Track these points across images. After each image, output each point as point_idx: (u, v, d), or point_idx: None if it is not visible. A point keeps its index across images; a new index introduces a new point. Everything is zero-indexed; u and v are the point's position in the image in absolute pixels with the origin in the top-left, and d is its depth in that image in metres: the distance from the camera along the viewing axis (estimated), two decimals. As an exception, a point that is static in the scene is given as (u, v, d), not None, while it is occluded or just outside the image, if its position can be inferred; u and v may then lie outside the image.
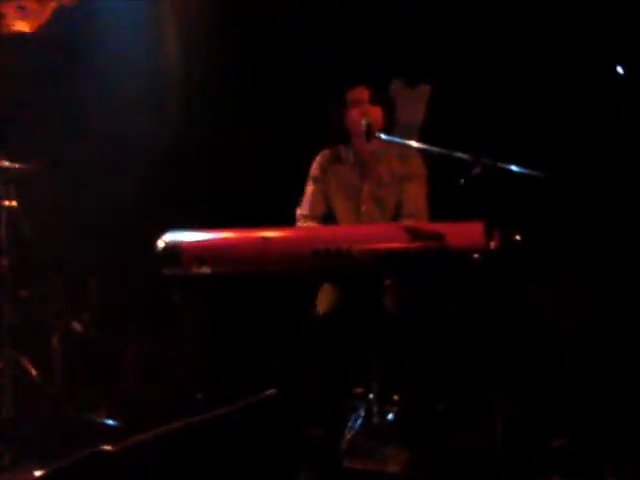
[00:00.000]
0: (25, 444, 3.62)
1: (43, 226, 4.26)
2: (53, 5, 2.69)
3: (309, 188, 3.66)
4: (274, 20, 4.48)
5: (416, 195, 3.55)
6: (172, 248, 3.09)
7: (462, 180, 2.98)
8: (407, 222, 3.42)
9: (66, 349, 4.30)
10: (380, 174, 3.59)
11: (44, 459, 3.36)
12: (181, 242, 3.10)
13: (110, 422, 3.96)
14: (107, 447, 2.00)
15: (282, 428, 2.87)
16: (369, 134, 3.38)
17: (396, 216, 3.55)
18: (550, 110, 3.98)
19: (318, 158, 3.69)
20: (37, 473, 2.81)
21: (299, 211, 3.64)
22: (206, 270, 3.07)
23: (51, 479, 1.95)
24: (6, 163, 3.91)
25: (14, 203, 3.98)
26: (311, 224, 3.57)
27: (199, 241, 3.12)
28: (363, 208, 3.56)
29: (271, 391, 2.99)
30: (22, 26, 2.68)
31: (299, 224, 3.60)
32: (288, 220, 3.58)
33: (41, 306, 4.35)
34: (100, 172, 4.52)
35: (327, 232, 3.35)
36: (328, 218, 3.61)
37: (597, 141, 3.97)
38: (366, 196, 3.57)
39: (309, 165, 3.70)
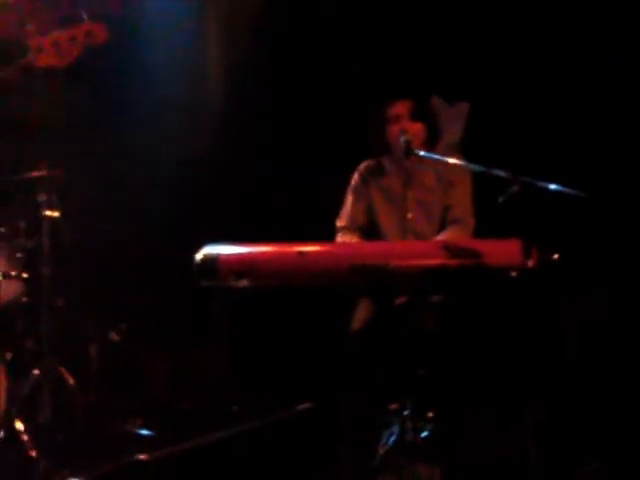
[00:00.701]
0: (61, 452, 3.66)
1: (83, 236, 4.31)
2: (84, 43, 2.77)
3: (349, 199, 3.66)
4: (318, 33, 4.50)
5: (462, 200, 3.56)
6: (210, 261, 3.11)
7: (501, 198, 2.97)
8: (452, 229, 3.44)
9: (103, 359, 4.34)
10: (424, 181, 3.59)
11: (79, 467, 3.39)
12: (219, 255, 3.12)
13: (145, 432, 3.99)
14: (142, 457, 2.03)
15: (316, 442, 2.89)
16: (407, 151, 3.39)
17: (443, 221, 3.54)
18: (591, 129, 3.96)
19: (359, 170, 3.70)
20: (73, 481, 2.85)
21: (339, 223, 3.65)
22: (243, 283, 3.09)
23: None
24: (48, 171, 3.99)
25: (57, 213, 4.05)
26: (352, 236, 3.57)
27: (237, 254, 3.13)
28: (409, 215, 3.52)
29: (306, 405, 3.00)
30: (55, 61, 2.77)
31: (339, 236, 3.61)
32: (326, 235, 3.58)
33: (79, 316, 4.40)
34: (140, 185, 4.57)
35: (364, 247, 3.36)
36: (369, 230, 3.62)
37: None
38: (411, 203, 3.53)
39: (348, 177, 3.71)
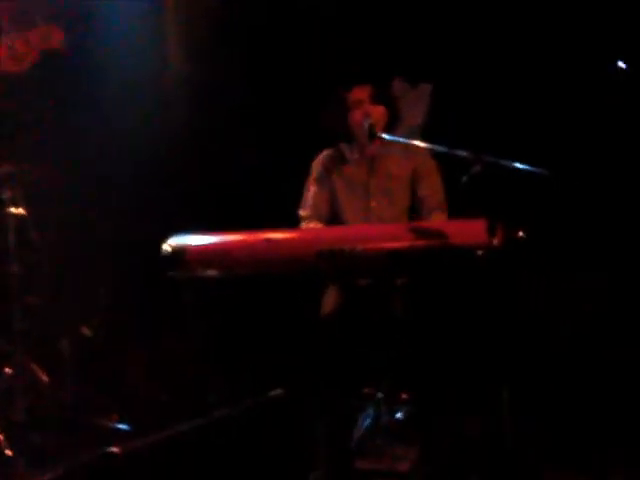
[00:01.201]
0: (37, 449, 3.64)
1: (51, 232, 4.29)
2: (40, 48, 2.74)
3: (312, 189, 3.63)
4: (274, 20, 4.49)
5: (436, 189, 3.54)
6: (177, 251, 3.11)
7: (464, 178, 2.98)
8: (435, 215, 3.45)
9: (76, 354, 4.33)
10: (388, 168, 3.56)
11: (56, 463, 3.38)
12: (186, 245, 3.12)
13: (121, 426, 3.98)
14: (114, 449, 2.02)
15: (290, 428, 2.89)
16: (372, 135, 3.38)
17: (414, 212, 3.53)
18: (553, 106, 3.98)
19: (320, 158, 3.67)
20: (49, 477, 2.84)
21: (302, 212, 3.62)
22: (211, 272, 3.09)
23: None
24: (12, 168, 3.96)
25: (22, 210, 4.02)
26: (316, 224, 3.55)
27: (204, 244, 3.13)
28: (373, 203, 3.53)
29: (278, 391, 3.01)
30: (11, 66, 2.73)
31: (303, 225, 3.58)
32: (290, 222, 3.57)
33: (50, 312, 4.37)
34: (105, 178, 4.55)
35: (330, 232, 3.36)
36: (332, 219, 3.59)
37: (601, 138, 3.96)
38: (375, 191, 3.54)
39: (309, 166, 3.69)
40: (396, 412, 3.67)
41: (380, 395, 3.66)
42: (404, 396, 3.69)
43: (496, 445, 3.20)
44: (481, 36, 4.09)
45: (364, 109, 3.48)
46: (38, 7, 2.85)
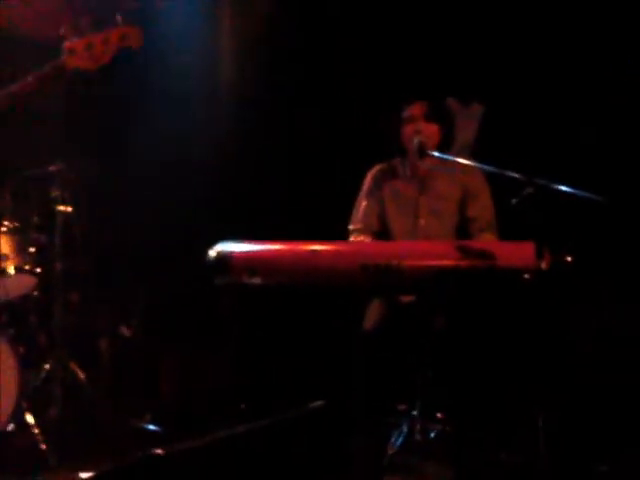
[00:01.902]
0: (70, 445, 3.67)
1: (96, 231, 4.33)
2: (117, 46, 2.80)
3: (362, 203, 3.64)
4: (333, 34, 4.51)
5: (486, 210, 3.52)
6: (223, 258, 3.12)
7: (514, 200, 2.97)
8: (484, 236, 3.43)
9: (114, 353, 4.36)
10: (438, 188, 3.56)
11: (88, 461, 3.41)
12: (232, 252, 3.13)
13: (153, 427, 4.00)
14: (158, 451, 2.03)
15: (327, 441, 2.89)
16: (421, 152, 3.39)
17: (464, 232, 3.51)
18: (607, 132, 3.95)
19: (372, 172, 3.68)
20: (83, 475, 2.86)
21: (351, 226, 3.63)
22: (256, 280, 3.10)
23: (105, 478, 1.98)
24: (61, 166, 4.01)
25: (69, 208, 4.07)
26: (365, 237, 3.55)
27: (250, 251, 3.15)
28: (422, 222, 3.51)
29: (318, 403, 3.00)
30: (87, 63, 2.80)
31: (352, 238, 3.59)
32: (338, 236, 3.58)
33: (91, 310, 4.42)
34: (153, 180, 4.59)
35: (377, 247, 3.35)
36: (381, 234, 3.59)
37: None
38: (424, 210, 3.52)
39: (361, 180, 3.70)
40: (430, 431, 3.65)
41: (414, 413, 3.65)
42: (439, 415, 3.68)
43: (531, 471, 3.18)
44: (538, 56, 4.08)
45: (416, 125, 3.49)
46: (120, 6, 2.90)
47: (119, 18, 2.80)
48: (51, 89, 2.92)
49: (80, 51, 2.78)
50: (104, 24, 2.79)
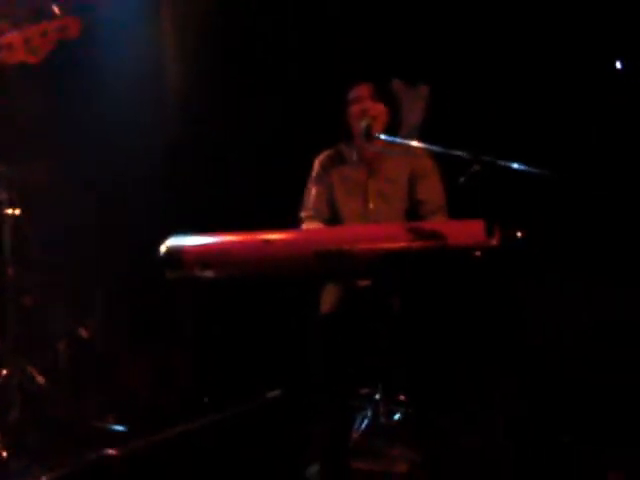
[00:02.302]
0: (32, 451, 3.63)
1: (46, 233, 4.27)
2: (56, 38, 2.74)
3: (312, 189, 3.62)
4: (275, 20, 4.49)
5: (435, 191, 3.51)
6: (175, 252, 3.09)
7: (462, 178, 2.97)
8: (435, 218, 3.42)
9: (72, 355, 4.32)
10: (386, 171, 3.55)
11: (51, 466, 3.37)
12: (183, 246, 3.10)
13: (118, 428, 3.97)
14: (112, 451, 2.00)
15: (287, 429, 2.88)
16: (368, 135, 3.38)
17: (414, 214, 3.51)
18: (552, 106, 3.97)
19: (319, 158, 3.66)
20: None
21: (303, 213, 3.62)
22: (209, 273, 3.07)
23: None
24: (8, 168, 3.94)
25: (17, 211, 4.00)
26: (316, 224, 3.54)
27: (201, 245, 3.12)
28: (371, 205, 3.52)
29: (276, 392, 2.99)
30: (27, 58, 2.73)
31: (304, 226, 3.57)
32: (289, 224, 3.56)
33: (46, 313, 4.36)
34: (102, 180, 4.54)
35: (328, 233, 3.34)
36: (332, 220, 3.58)
37: (602, 138, 3.96)
38: (373, 193, 3.53)
39: (309, 167, 3.68)
40: (394, 413, 3.67)
41: (378, 396, 3.66)
42: (402, 397, 3.69)
43: (491, 452, 3.20)
44: (480, 36, 4.09)
45: (363, 105, 3.48)
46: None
47: (56, 9, 2.73)
48: None
49: (18, 45, 2.72)
50: (41, 16, 2.73)
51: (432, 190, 3.52)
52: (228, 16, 4.58)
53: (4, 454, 3.55)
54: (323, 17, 4.39)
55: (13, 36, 2.73)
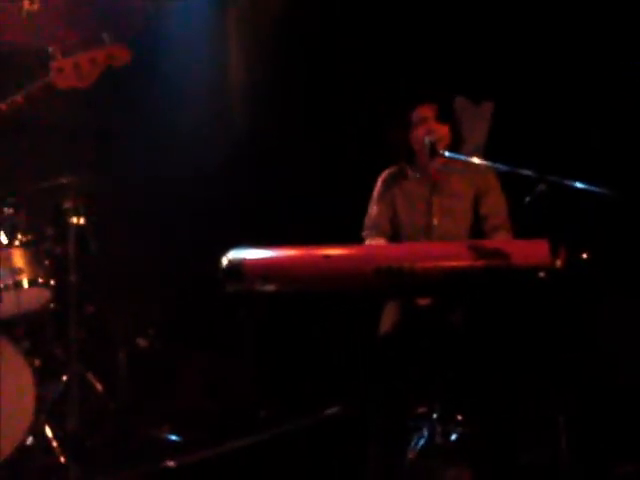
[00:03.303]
0: (90, 458, 3.67)
1: (110, 243, 4.33)
2: (105, 65, 2.84)
3: (374, 208, 3.61)
4: (338, 38, 4.49)
5: (498, 207, 3.49)
6: (235, 265, 3.09)
7: (528, 198, 2.93)
8: (498, 234, 3.40)
9: (132, 364, 4.36)
10: (451, 186, 3.53)
11: (108, 473, 3.40)
12: (244, 259, 3.11)
13: (173, 437, 3.99)
14: (170, 463, 2.01)
15: (344, 446, 2.86)
16: (432, 152, 3.36)
17: (478, 230, 3.48)
18: (621, 125, 3.91)
19: (382, 177, 3.66)
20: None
21: (365, 232, 3.60)
22: (269, 287, 3.07)
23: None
24: (74, 178, 4.02)
25: (82, 220, 4.07)
26: (378, 240, 3.52)
27: (262, 258, 3.12)
28: (435, 221, 3.50)
29: (335, 409, 2.97)
30: (75, 82, 2.84)
31: (366, 242, 3.56)
32: (352, 241, 3.55)
33: (108, 322, 4.41)
34: (163, 189, 4.58)
35: (390, 250, 3.32)
36: (394, 237, 3.56)
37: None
38: (437, 208, 3.51)
39: (373, 185, 3.67)
40: (450, 433, 3.62)
41: (435, 416, 3.62)
42: (459, 417, 3.64)
43: (552, 474, 3.14)
44: (548, 54, 4.05)
45: (428, 127, 3.46)
46: (107, 27, 2.93)
47: (106, 37, 2.83)
48: (42, 105, 2.95)
49: (68, 70, 2.82)
50: (92, 43, 2.82)
51: (496, 205, 3.50)
52: (294, 25, 4.60)
53: (62, 459, 3.60)
54: (390, 33, 4.38)
55: (64, 61, 2.84)
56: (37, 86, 2.86)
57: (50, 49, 2.85)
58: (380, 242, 3.52)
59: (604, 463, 3.31)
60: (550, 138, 3.99)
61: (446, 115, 3.50)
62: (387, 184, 3.62)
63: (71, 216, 4.04)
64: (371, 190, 3.67)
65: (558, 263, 2.81)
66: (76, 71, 2.82)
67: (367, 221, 3.63)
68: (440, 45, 4.28)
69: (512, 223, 3.49)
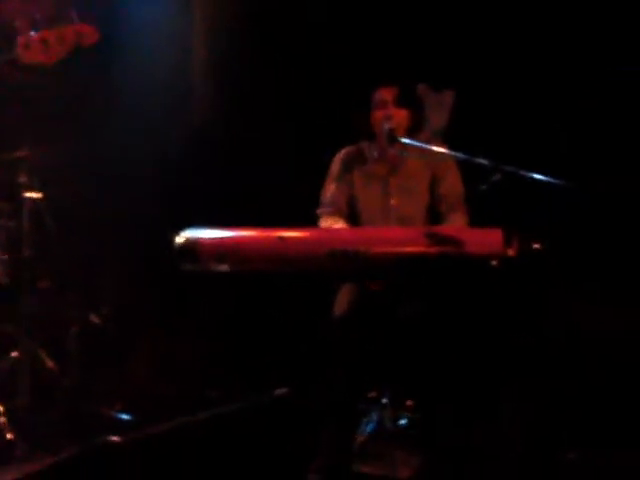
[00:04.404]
0: (39, 435, 3.64)
1: (65, 219, 4.28)
2: (73, 43, 2.80)
3: (330, 187, 3.62)
4: (302, 18, 4.48)
5: (455, 188, 3.52)
6: (190, 245, 3.09)
7: (483, 186, 2.95)
8: (454, 216, 3.43)
9: (83, 342, 4.32)
10: (408, 168, 3.55)
11: (57, 451, 3.37)
12: (199, 239, 3.10)
13: (124, 416, 3.97)
14: (115, 438, 2.00)
15: (292, 428, 2.87)
16: (391, 139, 3.38)
17: (435, 211, 3.51)
18: (576, 116, 3.95)
19: (339, 156, 3.66)
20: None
21: (320, 210, 3.61)
22: (223, 267, 3.07)
23: (59, 469, 1.95)
24: (28, 152, 3.96)
25: (36, 195, 4.02)
26: (335, 219, 3.53)
27: (217, 238, 3.12)
28: (392, 202, 3.51)
29: (283, 390, 2.98)
30: (42, 58, 2.80)
31: (322, 221, 3.57)
32: (306, 222, 3.55)
33: (60, 298, 4.37)
34: (120, 168, 4.55)
35: (344, 233, 3.33)
36: (350, 217, 3.57)
37: (627, 151, 3.93)
38: (395, 189, 3.53)
39: (328, 164, 3.67)
40: (400, 418, 3.66)
41: (385, 400, 3.65)
42: (409, 402, 3.68)
43: (502, 455, 3.18)
44: (507, 43, 4.08)
45: (387, 111, 3.47)
46: (75, 4, 2.89)
47: (74, 14, 2.79)
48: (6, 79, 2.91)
49: (34, 46, 2.78)
50: (59, 20, 2.79)
51: (453, 187, 3.52)
52: (258, 5, 4.58)
53: (10, 436, 3.56)
54: (353, 16, 4.38)
55: (30, 36, 2.80)
56: (1, 60, 2.82)
57: (17, 23, 2.81)
58: (336, 222, 3.53)
59: (552, 450, 3.36)
60: (508, 128, 4.02)
61: (406, 100, 3.50)
62: (345, 164, 3.63)
63: (26, 191, 3.99)
64: (325, 170, 3.67)
65: (511, 252, 2.84)
66: (43, 47, 2.78)
67: (323, 198, 3.63)
68: (406, 29, 4.28)
69: (468, 209, 3.51)
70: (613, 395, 3.65)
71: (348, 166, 3.62)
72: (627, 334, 3.75)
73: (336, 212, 3.57)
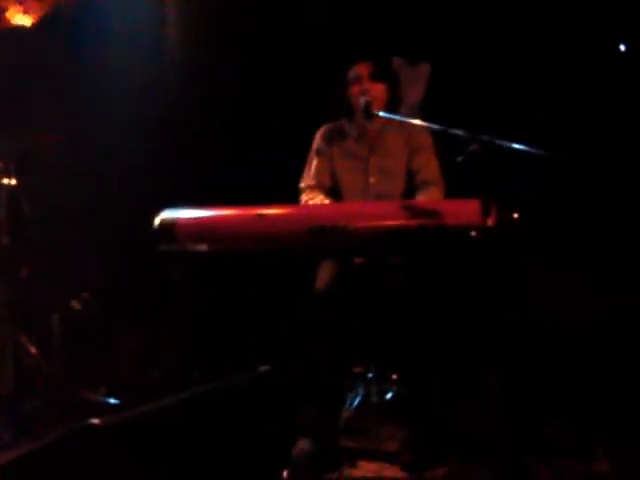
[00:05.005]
0: (23, 422, 3.62)
1: (43, 205, 4.26)
2: (53, 2, 2.74)
3: (313, 160, 3.63)
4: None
5: (429, 162, 3.53)
6: (168, 225, 3.08)
7: (460, 157, 2.95)
8: (430, 190, 3.43)
9: (65, 327, 4.30)
10: (387, 146, 3.56)
11: (41, 437, 3.36)
12: (177, 219, 3.09)
13: (110, 400, 3.97)
14: (95, 421, 2.01)
15: (276, 405, 2.88)
16: (367, 113, 3.37)
17: (410, 187, 3.52)
18: (554, 86, 3.95)
19: (321, 132, 3.67)
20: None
21: (303, 184, 3.62)
22: (202, 247, 3.06)
23: (40, 451, 1.95)
24: (5, 139, 3.92)
25: (14, 181, 3.98)
26: (317, 193, 3.54)
27: (195, 218, 3.10)
28: (371, 180, 3.53)
29: (264, 368, 2.98)
30: (21, 20, 2.73)
31: (304, 195, 3.58)
32: (287, 199, 3.54)
33: (41, 285, 4.34)
34: (99, 152, 4.52)
35: (324, 209, 3.33)
36: (333, 191, 3.58)
37: (606, 122, 3.93)
38: (374, 168, 3.54)
39: (310, 142, 3.67)
40: (385, 392, 3.66)
41: (370, 375, 3.65)
42: (394, 377, 3.68)
43: (485, 429, 3.19)
44: (482, 13, 4.07)
45: (362, 85, 3.47)
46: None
47: None
48: None
49: (12, 7, 2.72)
50: None
51: (427, 161, 3.54)
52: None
53: (-7, 424, 3.55)
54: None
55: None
56: None
57: None
58: (317, 196, 3.54)
59: (535, 425, 3.38)
60: (485, 98, 4.02)
61: (381, 74, 3.50)
62: (326, 139, 3.64)
63: (2, 176, 3.95)
64: (307, 149, 3.66)
65: (489, 222, 2.84)
66: (20, 7, 2.73)
67: (306, 173, 3.64)
68: (378, 3, 4.25)
69: (445, 182, 3.51)
70: (594, 373, 3.67)
71: (329, 142, 3.63)
72: (605, 316, 3.77)
73: (318, 187, 3.58)
